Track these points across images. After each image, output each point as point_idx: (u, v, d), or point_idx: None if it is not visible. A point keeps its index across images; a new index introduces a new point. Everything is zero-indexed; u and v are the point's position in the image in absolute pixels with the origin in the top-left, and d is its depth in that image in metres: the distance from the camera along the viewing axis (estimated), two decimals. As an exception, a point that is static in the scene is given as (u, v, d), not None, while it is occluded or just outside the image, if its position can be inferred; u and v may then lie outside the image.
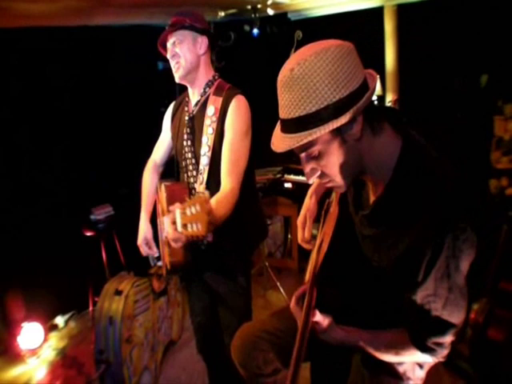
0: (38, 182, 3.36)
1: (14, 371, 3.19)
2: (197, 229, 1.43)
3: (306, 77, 1.13)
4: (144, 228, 2.28)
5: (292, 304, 1.50)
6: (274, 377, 1.68)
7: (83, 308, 3.78)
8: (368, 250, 1.44)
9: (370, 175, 1.32)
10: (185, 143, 2.15)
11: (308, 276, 1.61)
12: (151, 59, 4.32)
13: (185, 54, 2.04)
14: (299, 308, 1.45)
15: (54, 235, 3.45)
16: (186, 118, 2.15)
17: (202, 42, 2.09)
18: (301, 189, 4.11)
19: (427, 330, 1.28)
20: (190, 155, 2.15)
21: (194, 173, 2.13)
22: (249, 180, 2.11)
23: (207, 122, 2.06)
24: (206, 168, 2.05)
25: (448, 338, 1.28)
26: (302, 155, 1.26)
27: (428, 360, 1.35)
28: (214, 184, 2.02)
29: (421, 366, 1.52)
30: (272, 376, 1.68)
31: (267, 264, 4.12)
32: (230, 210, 1.85)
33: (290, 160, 4.35)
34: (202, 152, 2.06)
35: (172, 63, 2.07)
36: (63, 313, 3.73)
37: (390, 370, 1.51)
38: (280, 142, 1.24)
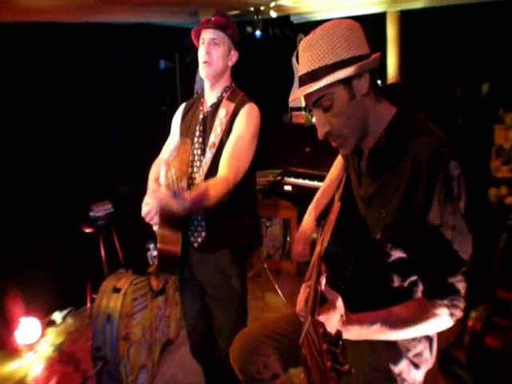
0: (37, 179, 3.35)
1: (11, 366, 3.20)
2: (171, 178, 1.49)
3: (326, 36, 1.32)
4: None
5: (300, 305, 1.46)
6: (274, 382, 1.69)
7: (81, 305, 3.77)
8: (375, 211, 1.48)
9: (370, 138, 1.45)
10: (195, 139, 2.19)
11: (313, 262, 1.63)
12: (153, 58, 4.35)
13: (218, 58, 2.13)
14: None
15: (53, 231, 3.46)
16: (201, 116, 2.21)
17: (234, 55, 2.21)
18: (301, 192, 4.12)
19: (440, 269, 1.32)
20: (199, 151, 2.18)
21: (200, 164, 2.17)
22: (249, 187, 2.14)
23: (217, 122, 2.12)
24: (208, 162, 2.10)
25: (461, 280, 1.30)
26: (316, 108, 1.40)
27: (448, 319, 1.34)
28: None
29: (417, 366, 1.54)
30: (271, 381, 1.69)
31: (266, 266, 4.12)
32: (219, 196, 1.88)
33: (291, 163, 4.36)
34: (208, 148, 2.11)
35: (204, 57, 2.12)
36: (61, 309, 3.74)
37: (386, 370, 1.52)
38: (295, 93, 1.42)
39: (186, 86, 2.31)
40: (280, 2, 3.89)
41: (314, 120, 4.23)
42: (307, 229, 1.87)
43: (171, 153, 2.30)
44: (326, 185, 1.97)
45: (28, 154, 3.33)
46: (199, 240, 2.16)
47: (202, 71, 2.15)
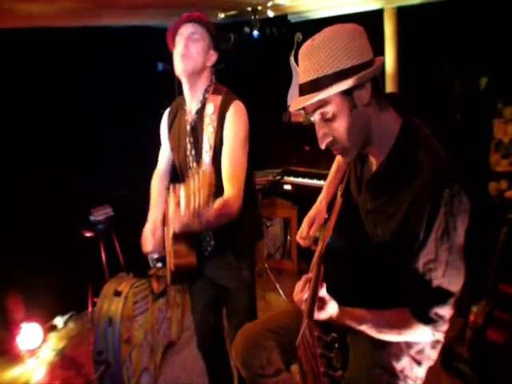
0: (37, 183, 3.35)
1: (13, 372, 3.19)
2: (198, 202, 1.42)
3: (325, 44, 1.29)
4: (146, 227, 2.26)
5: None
6: (276, 378, 1.68)
7: (82, 309, 3.77)
8: (371, 226, 1.50)
9: (374, 147, 1.43)
10: (188, 153, 2.15)
11: (314, 260, 1.64)
12: (150, 60, 4.34)
13: (198, 54, 2.02)
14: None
15: (54, 236, 3.46)
16: (188, 127, 2.14)
17: (213, 55, 2.10)
18: (300, 190, 4.12)
19: (428, 300, 1.33)
20: (195, 164, 2.14)
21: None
22: (248, 182, 2.12)
23: (207, 120, 2.05)
24: (208, 168, 2.05)
25: (448, 309, 1.33)
26: (317, 118, 1.38)
27: (430, 336, 1.38)
28: (216, 182, 2.02)
29: (419, 362, 1.54)
30: (274, 377, 1.68)
31: (266, 265, 4.12)
32: (232, 215, 1.90)
33: (290, 162, 4.35)
34: (204, 150, 2.05)
35: (182, 50, 1.99)
36: (62, 313, 3.74)
37: (388, 367, 1.52)
38: (296, 103, 1.39)
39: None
40: (277, 2, 3.88)
41: (312, 119, 4.22)
42: (317, 214, 1.89)
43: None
44: (333, 174, 1.98)
45: (27, 159, 3.33)
46: (209, 249, 2.18)
47: (179, 65, 2.00)
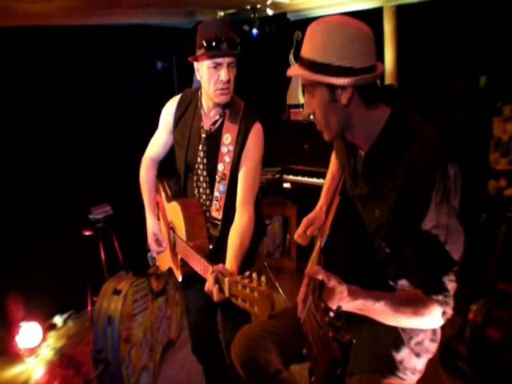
0: (36, 181, 3.35)
1: (13, 371, 3.18)
2: (251, 308, 1.46)
3: (324, 34, 1.34)
4: (151, 224, 2.28)
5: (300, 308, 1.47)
6: (276, 377, 1.68)
7: (81, 308, 3.76)
8: (370, 213, 1.51)
9: (359, 135, 1.47)
10: (199, 159, 2.15)
11: (313, 255, 1.65)
12: (150, 59, 4.34)
13: (233, 80, 2.01)
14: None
15: (53, 234, 3.46)
16: (204, 135, 2.14)
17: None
18: (300, 189, 4.11)
19: (434, 267, 1.34)
20: (204, 173, 2.15)
21: (208, 191, 2.16)
22: None
23: (224, 149, 2.07)
24: (223, 196, 2.08)
25: (451, 279, 1.33)
26: (306, 88, 1.44)
27: (439, 316, 1.36)
28: (231, 210, 2.05)
29: (417, 354, 1.55)
30: (273, 377, 1.68)
31: (266, 264, 4.12)
32: (251, 236, 1.94)
33: (290, 160, 4.35)
34: (218, 179, 2.09)
35: (224, 84, 1.97)
36: (61, 312, 3.73)
37: (387, 357, 1.53)
38: (292, 69, 1.46)
39: (183, 87, 2.31)
40: (276, 0, 3.88)
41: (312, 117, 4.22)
42: (317, 217, 1.92)
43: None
44: (329, 181, 2.01)
45: (26, 157, 3.33)
46: (210, 247, 2.18)
47: (219, 98, 2.00)
